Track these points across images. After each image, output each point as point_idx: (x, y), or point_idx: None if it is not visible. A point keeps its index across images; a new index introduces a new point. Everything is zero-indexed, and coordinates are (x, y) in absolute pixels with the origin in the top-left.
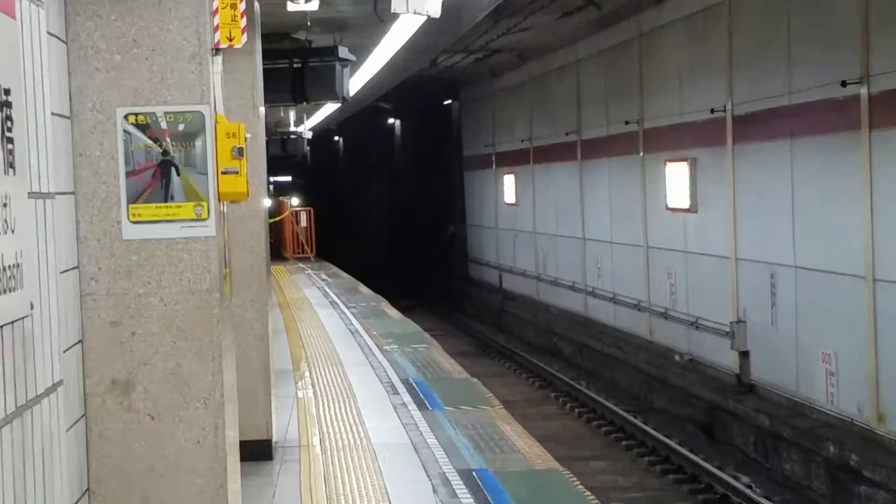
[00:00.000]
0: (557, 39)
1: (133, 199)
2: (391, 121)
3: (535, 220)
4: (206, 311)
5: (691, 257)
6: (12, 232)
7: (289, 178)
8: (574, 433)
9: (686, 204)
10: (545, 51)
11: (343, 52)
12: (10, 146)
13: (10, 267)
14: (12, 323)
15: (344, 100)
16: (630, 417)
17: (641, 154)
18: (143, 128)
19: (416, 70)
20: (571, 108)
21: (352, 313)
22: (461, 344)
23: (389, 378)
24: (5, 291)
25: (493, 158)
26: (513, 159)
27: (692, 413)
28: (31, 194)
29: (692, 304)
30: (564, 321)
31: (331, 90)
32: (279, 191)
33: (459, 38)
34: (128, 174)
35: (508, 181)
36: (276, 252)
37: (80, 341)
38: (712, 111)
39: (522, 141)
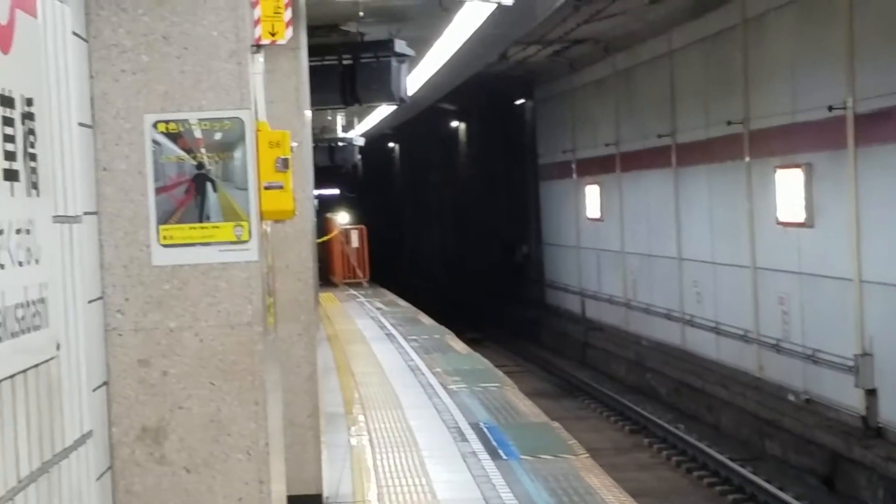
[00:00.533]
0: (648, 27)
1: (164, 219)
2: (455, 124)
3: (623, 237)
4: (248, 347)
5: (807, 279)
6: (36, 262)
7: (336, 192)
8: (672, 485)
9: (800, 217)
10: (633, 41)
11: (400, 46)
12: (33, 164)
13: (33, 302)
14: (37, 367)
15: (401, 101)
16: (737, 467)
17: (747, 159)
18: (174, 137)
19: (484, 65)
20: (664, 106)
21: (412, 347)
22: (538, 382)
23: (456, 422)
24: (29, 330)
25: (574, 166)
26: (596, 167)
27: (810, 462)
28: (57, 218)
29: (809, 334)
30: (658, 355)
31: (386, 90)
32: (325, 206)
33: (534, 27)
34: (157, 191)
35: (591, 192)
36: (324, 277)
37: (105, 383)
38: (830, 109)
39: (607, 145)
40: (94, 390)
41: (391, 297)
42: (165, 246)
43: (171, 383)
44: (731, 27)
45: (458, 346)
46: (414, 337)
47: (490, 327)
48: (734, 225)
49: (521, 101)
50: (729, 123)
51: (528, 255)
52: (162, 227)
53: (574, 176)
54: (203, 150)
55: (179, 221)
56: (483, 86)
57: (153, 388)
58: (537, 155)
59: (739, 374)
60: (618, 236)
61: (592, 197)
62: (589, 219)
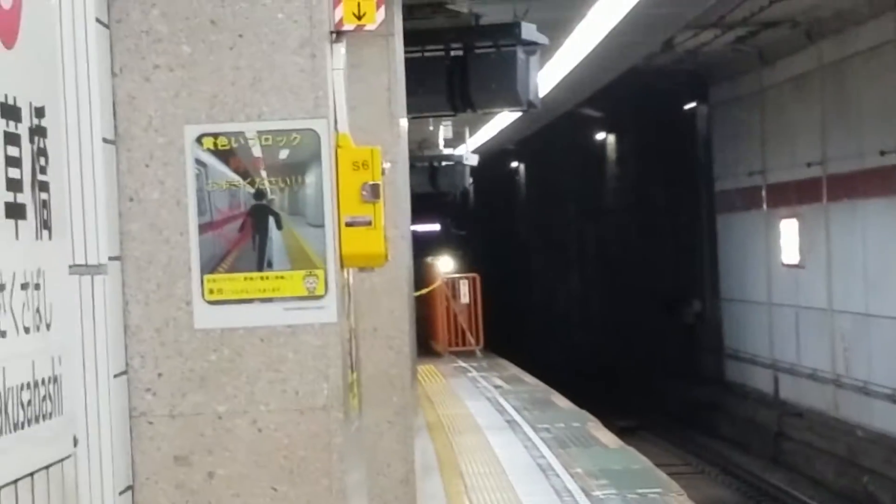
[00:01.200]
0: (866, 4)
1: (211, 266)
2: (601, 137)
3: (831, 290)
4: (324, 439)
5: None
6: (47, 327)
7: (437, 228)
8: None
9: None
10: (846, 22)
11: (528, 31)
12: (44, 195)
13: (44, 381)
14: (48, 468)
15: (530, 106)
16: None
17: None
18: (225, 156)
19: (642, 58)
20: (889, 112)
21: (542, 439)
22: (715, 487)
23: None
24: (38, 419)
25: (764, 194)
26: (795, 194)
27: None
28: (75, 268)
29: None
30: (880, 450)
31: (509, 91)
32: (425, 248)
33: (711, 4)
34: (202, 228)
35: (788, 229)
36: (424, 344)
37: (129, 487)
38: None
39: (809, 165)
40: (114, 498)
41: (514, 370)
42: (212, 303)
43: (219, 488)
44: None
45: (606, 437)
46: (545, 425)
47: (649, 412)
48: None
49: (692, 105)
50: None
51: (700, 314)
52: (208, 277)
53: (764, 207)
54: (264, 174)
55: (231, 270)
56: (640, 85)
57: (195, 496)
58: (713, 178)
59: None
60: (824, 289)
61: (789, 235)
62: (784, 265)
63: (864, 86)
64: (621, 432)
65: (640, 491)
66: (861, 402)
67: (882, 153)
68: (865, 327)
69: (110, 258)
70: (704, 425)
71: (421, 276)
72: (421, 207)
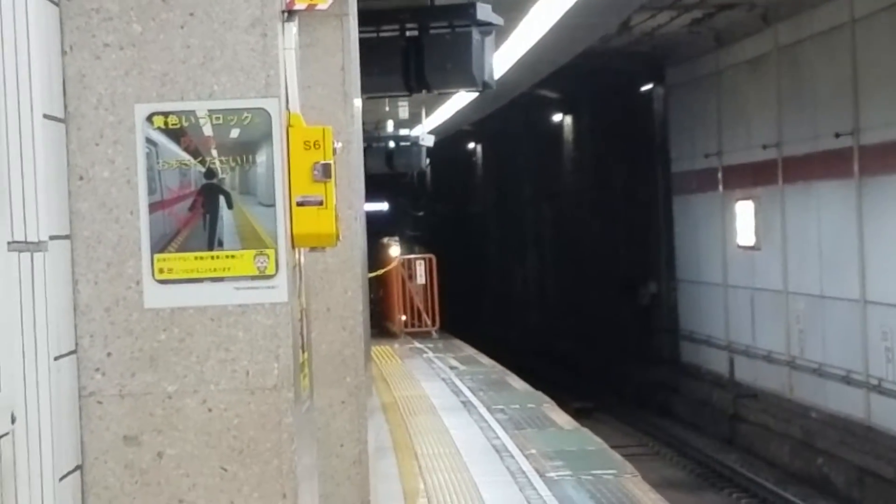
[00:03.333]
0: None
1: (161, 246)
2: (558, 118)
3: (787, 272)
4: (274, 419)
5: None
6: None
7: (396, 209)
8: None
9: None
10: (802, 5)
11: (484, 11)
12: None
13: None
14: None
15: (485, 87)
16: None
17: None
18: (175, 135)
19: (598, 40)
20: (844, 94)
21: (497, 421)
22: (670, 468)
23: None
24: None
25: (720, 176)
26: (750, 176)
27: None
28: (13, 245)
29: None
30: (834, 432)
31: (465, 71)
32: (381, 228)
33: None
34: (153, 207)
35: (743, 211)
36: (379, 324)
37: (77, 468)
38: None
39: (765, 147)
40: (62, 478)
41: (470, 351)
42: (162, 282)
43: (168, 468)
44: None
45: (561, 419)
46: (500, 407)
47: (604, 394)
48: None
49: (649, 87)
50: None
51: (656, 295)
52: (158, 256)
53: (720, 189)
54: (214, 153)
55: (182, 249)
56: (597, 67)
57: (145, 475)
58: (669, 160)
59: None
60: (779, 271)
61: (745, 217)
62: (740, 247)
63: (819, 68)
64: (577, 414)
65: (594, 472)
66: (816, 383)
67: (837, 135)
68: (820, 309)
69: (59, 237)
70: (660, 407)
71: (377, 256)
72: (378, 189)
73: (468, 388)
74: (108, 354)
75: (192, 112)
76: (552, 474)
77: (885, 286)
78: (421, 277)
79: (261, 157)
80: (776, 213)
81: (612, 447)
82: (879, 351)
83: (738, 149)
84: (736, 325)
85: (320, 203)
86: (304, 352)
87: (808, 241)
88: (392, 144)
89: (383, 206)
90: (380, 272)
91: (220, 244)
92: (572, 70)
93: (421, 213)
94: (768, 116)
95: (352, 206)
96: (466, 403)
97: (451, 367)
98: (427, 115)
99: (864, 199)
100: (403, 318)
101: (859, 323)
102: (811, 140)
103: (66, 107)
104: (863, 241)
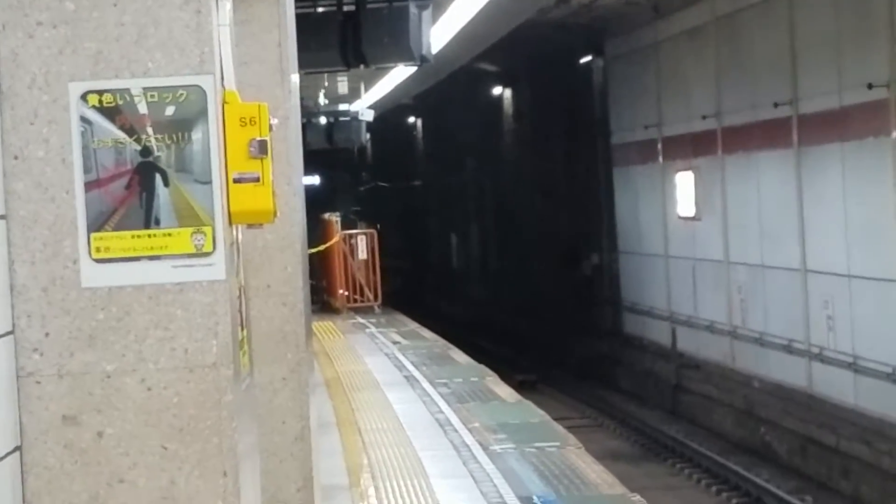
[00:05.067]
0: None
1: (98, 224)
2: (498, 91)
3: (727, 242)
4: (213, 397)
5: None
6: None
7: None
8: None
9: None
10: None
11: None
12: None
13: None
14: None
15: (423, 60)
16: None
17: (895, 135)
18: (110, 113)
19: (537, 11)
20: (782, 64)
21: (440, 395)
22: (613, 440)
23: (501, 496)
24: None
25: (659, 147)
26: (690, 147)
27: None
28: None
29: None
30: (776, 401)
31: (402, 46)
32: (322, 203)
33: None
34: (88, 186)
35: (683, 182)
36: (321, 300)
37: (17, 448)
38: None
39: (705, 118)
40: (1, 459)
41: (412, 326)
42: (99, 261)
43: (108, 448)
44: None
45: (504, 391)
46: (443, 381)
47: (547, 366)
48: (878, 224)
49: (588, 58)
50: (871, 87)
51: (598, 266)
52: (95, 235)
53: (660, 160)
54: (150, 131)
55: (118, 228)
56: (536, 39)
57: (84, 455)
58: (609, 132)
59: (888, 426)
60: (720, 241)
61: (685, 188)
62: (681, 218)
63: (757, 38)
64: (520, 386)
65: (538, 444)
66: (757, 353)
67: (776, 105)
68: (761, 279)
69: None
70: (603, 378)
71: (319, 232)
72: (318, 164)
73: (411, 362)
74: (46, 334)
75: (127, 90)
76: (496, 447)
77: (824, 255)
78: (363, 253)
79: (196, 135)
80: (716, 183)
81: (556, 419)
82: (821, 319)
83: (677, 120)
84: (678, 295)
85: (257, 179)
86: (243, 329)
87: (748, 211)
88: (332, 119)
89: (323, 182)
90: (321, 248)
91: (157, 222)
92: (511, 43)
93: (362, 188)
94: (707, 87)
95: (290, 182)
96: (409, 378)
97: (394, 342)
98: (366, 89)
99: (803, 169)
100: (345, 293)
101: (800, 292)
102: (750, 110)
103: None
104: (802, 210)
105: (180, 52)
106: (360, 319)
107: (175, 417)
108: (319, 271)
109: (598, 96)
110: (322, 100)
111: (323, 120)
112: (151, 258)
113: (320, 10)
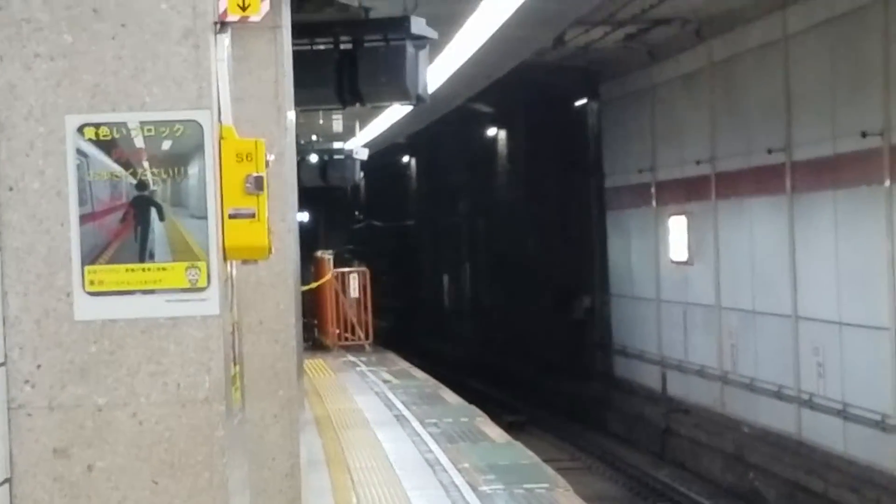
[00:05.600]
0: (754, 4)
1: (92, 257)
2: (492, 132)
3: (720, 287)
4: (205, 432)
5: None
6: None
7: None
8: None
9: None
10: (736, 21)
11: (418, 25)
12: None
13: None
14: None
15: (419, 100)
16: None
17: (888, 184)
18: (107, 146)
19: (533, 53)
20: (776, 110)
21: (430, 434)
22: (602, 482)
23: None
24: None
25: (653, 191)
26: (684, 192)
27: None
28: None
29: None
30: (765, 447)
31: (398, 85)
32: (315, 241)
33: (599, 2)
34: (83, 219)
35: (676, 226)
36: (312, 337)
37: (6, 480)
38: None
39: (699, 163)
40: None
41: (403, 365)
42: (93, 294)
43: (98, 481)
44: (865, 5)
45: (494, 432)
46: (433, 420)
47: (537, 407)
48: (869, 272)
49: (583, 101)
50: (864, 135)
51: (589, 310)
52: (89, 268)
53: (653, 203)
54: (146, 165)
55: (113, 261)
56: (531, 81)
57: (74, 488)
58: (603, 175)
59: (877, 474)
60: (712, 286)
61: (678, 232)
62: (673, 262)
63: (751, 84)
64: (510, 427)
65: (527, 486)
66: (747, 398)
67: (769, 151)
68: (752, 324)
69: None
70: (593, 421)
71: (311, 269)
72: (312, 202)
73: (401, 401)
74: (38, 366)
75: (124, 123)
76: (485, 488)
77: (816, 302)
78: (354, 291)
79: (193, 170)
80: (709, 228)
81: (545, 461)
82: (811, 366)
83: (671, 164)
84: (669, 339)
85: (252, 216)
86: (235, 365)
87: (740, 256)
88: (326, 157)
89: (316, 219)
90: (313, 285)
91: (152, 256)
92: (507, 84)
93: (356, 227)
94: (701, 132)
95: (285, 218)
96: (399, 417)
97: (385, 381)
98: (361, 128)
99: (795, 215)
100: (336, 330)
101: (791, 338)
102: (744, 156)
103: None
104: (794, 257)
105: (178, 87)
106: (350, 357)
107: (166, 452)
108: (311, 309)
109: (593, 139)
110: (315, 138)
111: (317, 158)
112: (145, 292)
113: (317, 47)
